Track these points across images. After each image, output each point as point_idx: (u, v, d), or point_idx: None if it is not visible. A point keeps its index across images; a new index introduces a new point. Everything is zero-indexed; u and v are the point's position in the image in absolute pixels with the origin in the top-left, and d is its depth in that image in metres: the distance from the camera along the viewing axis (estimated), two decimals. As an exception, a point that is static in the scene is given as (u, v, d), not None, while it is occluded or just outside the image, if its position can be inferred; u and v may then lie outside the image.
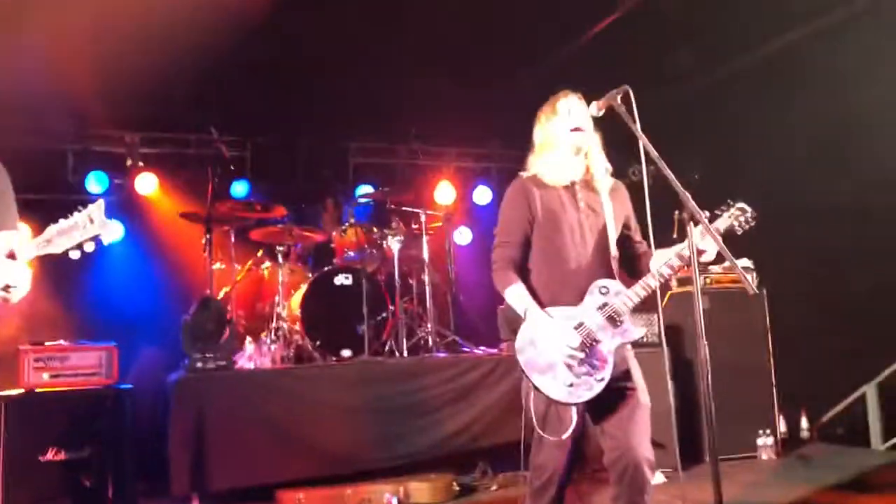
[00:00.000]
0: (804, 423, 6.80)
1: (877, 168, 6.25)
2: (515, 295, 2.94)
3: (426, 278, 6.61)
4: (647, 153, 2.72)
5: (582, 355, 2.82)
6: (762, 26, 6.61)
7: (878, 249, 6.20)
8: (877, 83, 6.28)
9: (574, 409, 2.83)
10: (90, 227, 2.79)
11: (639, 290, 2.90)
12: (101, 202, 2.87)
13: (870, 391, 7.18)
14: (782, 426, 6.48)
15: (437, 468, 5.43)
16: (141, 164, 7.29)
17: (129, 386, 5.41)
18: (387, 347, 6.17)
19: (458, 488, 5.26)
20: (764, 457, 6.03)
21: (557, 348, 2.82)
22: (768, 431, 6.13)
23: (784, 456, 6.15)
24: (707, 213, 2.83)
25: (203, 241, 6.42)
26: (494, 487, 5.45)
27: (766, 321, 6.34)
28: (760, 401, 6.21)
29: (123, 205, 7.22)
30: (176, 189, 7.35)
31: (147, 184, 7.24)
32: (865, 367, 7.13)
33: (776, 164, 6.84)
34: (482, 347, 6.46)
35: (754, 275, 6.24)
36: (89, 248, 2.83)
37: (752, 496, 4.77)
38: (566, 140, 3.01)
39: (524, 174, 3.10)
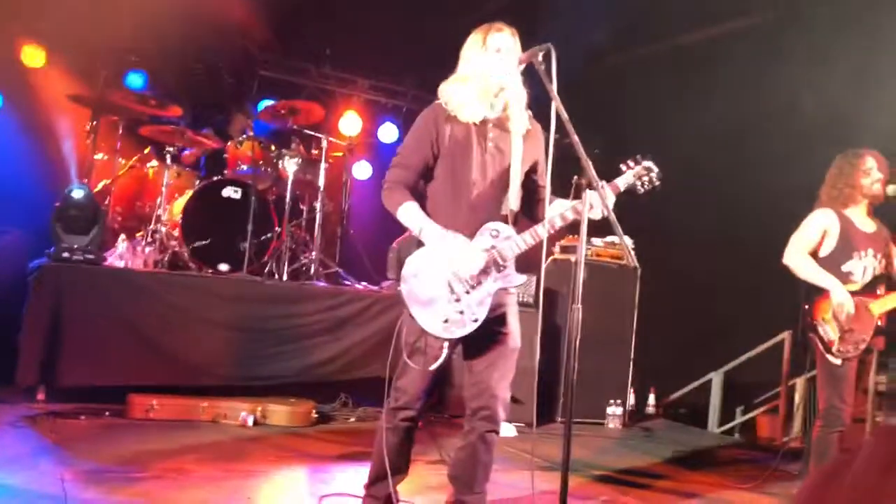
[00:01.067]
0: (651, 399, 7.21)
1: (764, 169, 6.60)
2: (409, 212, 2.90)
3: (318, 206, 6.51)
4: (557, 116, 2.73)
5: (459, 297, 2.85)
6: (681, 18, 6.80)
7: (750, 249, 6.55)
8: (778, 88, 6.60)
9: (444, 344, 2.88)
10: None
11: (527, 238, 2.93)
12: None
13: (716, 378, 7.70)
14: (632, 399, 6.85)
15: (298, 394, 5.43)
16: (30, 35, 6.75)
17: (-15, 266, 5.12)
18: (267, 269, 6.07)
19: (316, 416, 5.28)
20: (611, 425, 6.37)
21: (444, 273, 2.84)
22: (619, 402, 6.46)
23: (629, 427, 6.51)
24: (605, 183, 2.87)
25: (88, 127, 6.08)
26: (353, 419, 5.52)
27: (634, 298, 6.63)
28: (617, 373, 6.53)
29: (4, 75, 6.71)
30: (66, 68, 6.87)
31: (34, 56, 6.73)
32: (715, 355, 7.63)
33: (671, 150, 7.06)
34: (363, 283, 6.46)
35: (632, 253, 6.49)
36: None
37: (595, 459, 5.04)
38: (488, 78, 2.94)
39: (439, 102, 3.01)
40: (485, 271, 2.89)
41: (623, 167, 3.02)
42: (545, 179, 3.18)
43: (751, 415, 7.49)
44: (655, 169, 3.03)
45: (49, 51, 6.76)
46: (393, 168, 3.00)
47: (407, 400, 2.99)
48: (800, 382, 6.87)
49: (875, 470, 0.36)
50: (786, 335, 6.83)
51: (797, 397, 6.91)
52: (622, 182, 3.00)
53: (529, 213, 3.17)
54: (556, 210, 2.97)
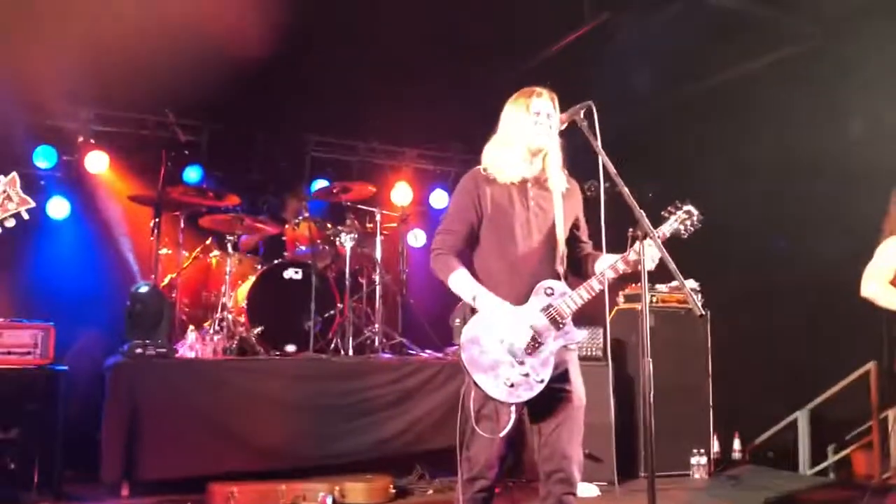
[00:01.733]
0: (737, 444, 6.94)
1: (832, 202, 6.44)
2: (461, 280, 2.91)
3: (377, 278, 6.59)
4: (605, 169, 2.74)
5: (523, 360, 2.83)
6: (718, 56, 6.78)
7: (818, 279, 6.37)
8: (826, 119, 6.49)
9: (512, 409, 2.85)
10: (8, 204, 2.72)
11: (583, 293, 2.92)
12: (12, 176, 2.79)
13: (801, 417, 7.38)
14: (716, 446, 6.61)
15: (374, 470, 5.40)
16: (92, 141, 7.09)
17: (65, 368, 5.28)
18: (332, 345, 6.13)
19: (394, 490, 5.24)
20: (696, 476, 6.14)
21: (504, 339, 2.83)
22: (702, 451, 6.24)
23: (715, 476, 6.27)
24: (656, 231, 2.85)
25: (151, 224, 6.31)
26: (430, 491, 5.45)
27: (707, 342, 6.46)
28: (696, 420, 6.32)
29: (71, 182, 7.04)
30: (127, 170, 7.18)
31: (97, 162, 7.05)
32: (799, 393, 7.33)
33: (726, 187, 6.99)
34: (428, 351, 6.46)
35: (699, 296, 6.35)
36: (10, 223, 2.76)
37: (683, 513, 4.86)
38: (529, 139, 2.98)
39: (478, 168, 3.07)
40: (545, 330, 2.87)
41: (665, 213, 3.01)
42: (587, 235, 3.20)
43: (844, 452, 7.13)
44: (696, 212, 3.02)
45: (111, 155, 7.07)
46: (439, 235, 3.03)
47: (479, 469, 2.96)
48: (892, 414, 6.54)
49: None
50: (871, 366, 6.53)
51: (890, 428, 6.58)
52: (667, 229, 2.99)
53: (576, 269, 3.17)
54: (606, 262, 2.96)
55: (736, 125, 7.14)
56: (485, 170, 3.03)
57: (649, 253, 2.81)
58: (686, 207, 3.01)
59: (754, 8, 6.20)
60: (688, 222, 3.00)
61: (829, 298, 6.27)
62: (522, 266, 2.95)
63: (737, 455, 6.93)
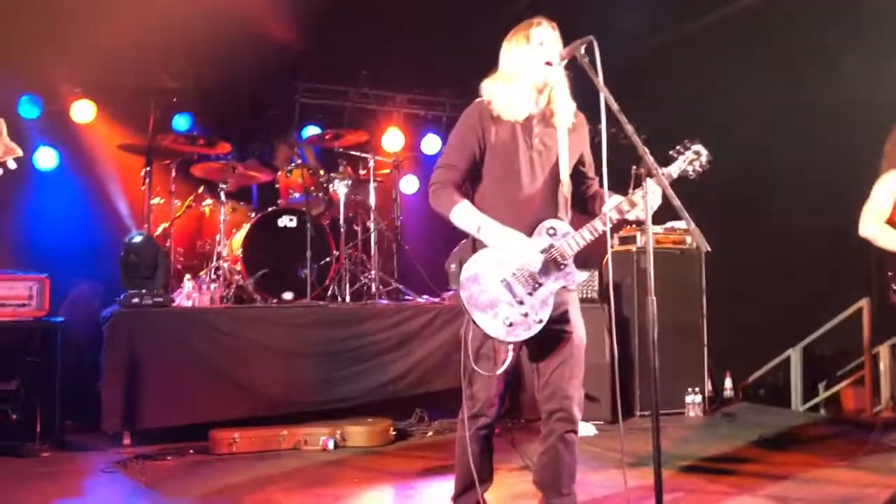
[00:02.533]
0: (728, 383, 7.04)
1: (827, 141, 6.41)
2: (464, 212, 2.86)
3: (371, 225, 6.56)
4: (608, 107, 2.69)
5: (522, 299, 2.83)
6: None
7: (814, 221, 6.38)
8: (823, 60, 6.42)
9: (510, 347, 2.86)
10: None
11: (585, 234, 2.89)
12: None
13: (794, 355, 7.48)
14: (709, 385, 6.70)
15: (374, 413, 5.46)
16: (77, 90, 6.95)
17: (61, 319, 5.27)
18: (329, 292, 6.13)
19: (394, 433, 5.31)
20: (691, 413, 6.24)
21: (504, 277, 2.82)
22: (697, 389, 6.33)
23: (710, 413, 6.37)
24: (663, 169, 2.82)
25: (142, 173, 6.23)
26: (430, 433, 5.52)
27: (701, 283, 6.50)
28: (691, 360, 6.39)
29: (58, 132, 6.92)
30: (115, 119, 7.05)
31: (84, 111, 6.92)
32: (792, 331, 7.42)
33: (726, 128, 6.94)
34: (425, 296, 6.47)
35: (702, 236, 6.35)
36: None
37: (680, 450, 4.94)
38: (533, 73, 2.90)
39: (481, 100, 2.97)
40: (545, 270, 2.86)
41: (673, 153, 2.95)
42: (593, 171, 3.15)
43: (835, 389, 7.25)
44: (705, 151, 2.96)
45: (98, 104, 6.95)
46: (438, 169, 2.96)
47: (481, 406, 2.97)
48: (883, 350, 6.64)
49: None
50: (864, 303, 6.61)
51: (882, 366, 6.68)
52: (675, 169, 2.94)
53: (581, 207, 3.14)
54: (611, 203, 2.93)
55: (734, 65, 7.06)
56: (489, 104, 2.95)
57: (654, 193, 2.78)
58: (695, 147, 2.95)
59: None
60: (696, 163, 2.94)
61: (820, 237, 6.30)
62: (525, 205, 2.92)
63: (729, 393, 7.03)
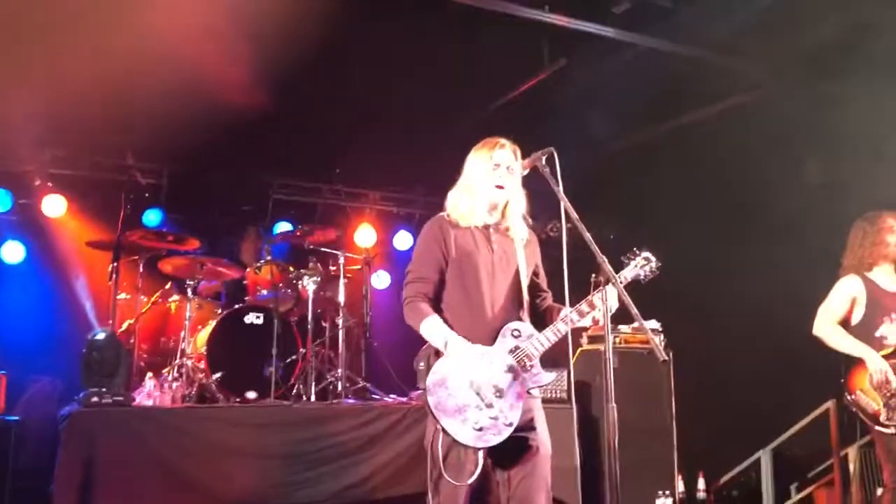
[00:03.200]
0: (701, 484, 6.94)
1: (790, 242, 6.58)
2: (433, 327, 2.90)
3: (340, 322, 6.53)
4: (566, 213, 2.77)
5: (490, 402, 2.81)
6: (675, 101, 6.95)
7: (782, 323, 6.45)
8: (778, 160, 6.67)
9: (479, 454, 2.81)
10: None
11: (549, 335, 2.93)
12: None
13: (764, 456, 7.43)
14: (680, 487, 6.60)
15: (337, 517, 5.30)
16: (49, 184, 6.97)
17: (16, 418, 5.12)
18: (294, 391, 6.03)
19: (357, 539, 5.14)
20: (662, 517, 6.12)
21: (471, 381, 2.81)
22: (667, 492, 6.22)
23: (682, 517, 6.25)
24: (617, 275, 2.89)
25: (109, 269, 6.19)
26: (395, 539, 5.35)
27: (670, 383, 6.48)
28: (661, 461, 6.29)
29: (27, 226, 6.90)
30: (85, 214, 7.06)
31: (55, 206, 6.92)
32: (761, 433, 7.39)
33: (681, 230, 7.12)
34: (392, 395, 6.39)
35: (662, 336, 6.39)
36: None
37: (650, 557, 4.82)
38: (488, 193, 3.04)
39: (441, 214, 3.10)
40: (512, 373, 2.86)
41: (624, 260, 3.07)
42: (546, 284, 3.23)
43: (807, 491, 7.18)
44: (653, 259, 3.09)
45: (68, 199, 6.96)
46: (410, 283, 3.02)
47: None
48: (852, 451, 6.61)
49: None
50: (830, 404, 6.62)
51: (851, 467, 6.64)
52: (627, 274, 3.04)
53: (537, 320, 3.18)
54: (570, 308, 2.98)
55: (691, 170, 7.29)
56: (448, 215, 3.07)
57: (612, 296, 2.84)
58: (644, 254, 3.08)
59: (707, 56, 6.37)
60: (646, 268, 3.06)
61: (788, 337, 6.36)
62: (488, 308, 2.96)
63: (701, 495, 6.91)
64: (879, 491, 4.05)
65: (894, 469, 3.86)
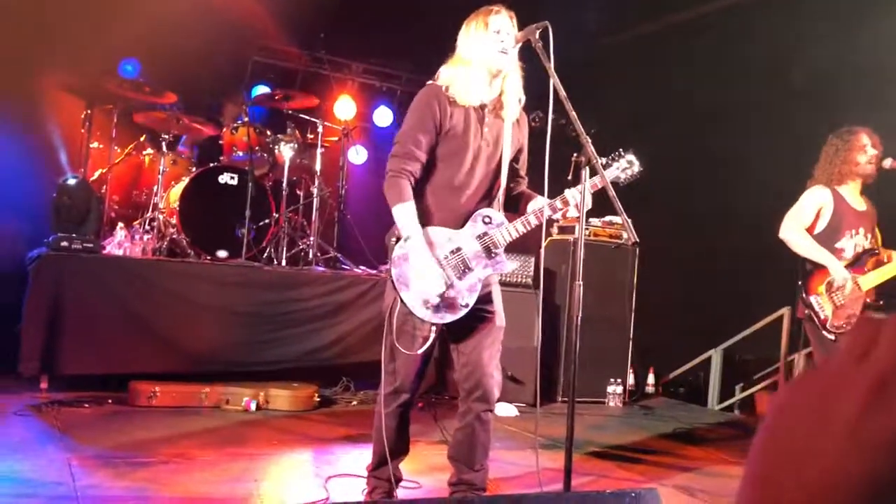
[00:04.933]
0: (651, 378, 7.24)
1: (758, 149, 6.62)
2: (405, 214, 2.88)
3: (315, 190, 6.52)
4: (555, 92, 2.74)
5: (451, 283, 2.87)
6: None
7: (744, 226, 6.58)
8: (763, 68, 6.62)
9: (432, 328, 2.90)
10: None
11: (519, 227, 2.96)
12: None
13: (715, 356, 7.73)
14: (631, 378, 6.88)
15: (300, 379, 5.45)
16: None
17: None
18: (265, 254, 6.08)
19: (318, 399, 5.31)
20: (611, 404, 6.41)
21: (435, 261, 2.87)
22: (619, 381, 6.49)
23: (629, 405, 6.55)
24: (603, 159, 2.90)
25: (82, 116, 6.06)
26: (355, 402, 5.55)
27: (633, 278, 6.65)
28: (616, 352, 6.56)
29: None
30: (60, 58, 6.81)
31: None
32: (715, 333, 7.66)
33: (665, 130, 7.11)
34: (362, 267, 6.47)
35: (632, 229, 6.50)
36: None
37: (596, 437, 5.08)
38: (489, 60, 2.93)
39: (436, 83, 3.00)
40: (477, 257, 2.91)
41: (608, 160, 3.05)
42: (525, 169, 3.21)
43: (750, 391, 7.53)
44: (636, 162, 3.07)
45: (44, 43, 6.70)
46: (396, 157, 2.93)
47: (400, 384, 3.02)
48: (799, 358, 6.90)
49: (851, 359, 0.38)
50: (784, 311, 6.85)
51: (796, 373, 6.95)
52: (610, 174, 3.02)
53: (507, 204, 3.18)
54: (537, 204, 3.00)
55: (675, 68, 7.22)
56: (446, 89, 2.96)
57: (588, 196, 2.87)
58: (628, 157, 3.06)
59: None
60: (628, 171, 3.06)
61: (750, 244, 6.50)
62: (465, 193, 2.96)
63: (650, 388, 7.23)
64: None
65: None
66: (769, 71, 6.66)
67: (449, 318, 2.88)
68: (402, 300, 2.86)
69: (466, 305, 2.89)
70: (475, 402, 3.02)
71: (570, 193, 2.93)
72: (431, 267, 2.86)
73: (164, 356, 5.18)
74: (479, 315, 2.99)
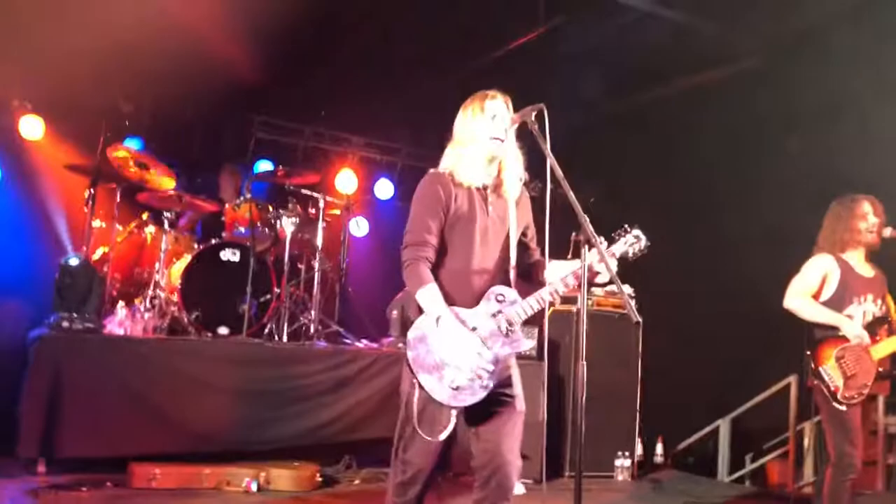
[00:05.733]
0: (659, 448, 7.12)
1: (761, 217, 6.65)
2: (429, 296, 2.87)
3: (316, 265, 6.52)
4: (552, 173, 2.77)
5: (491, 368, 2.82)
6: (666, 68, 6.94)
7: (751, 294, 6.56)
8: (763, 136, 6.72)
9: (452, 412, 2.84)
10: None
11: (533, 303, 2.93)
12: None
13: (723, 425, 7.61)
14: (640, 450, 6.76)
15: (302, 457, 5.35)
16: (28, 105, 6.83)
17: (-16, 339, 5.09)
18: (266, 330, 6.05)
19: (320, 479, 5.21)
20: (620, 478, 6.28)
21: (459, 354, 2.83)
22: (627, 454, 6.37)
23: (638, 479, 6.41)
24: (604, 239, 2.90)
25: (86, 195, 6.11)
26: (357, 481, 5.43)
27: (638, 348, 6.59)
28: (623, 423, 6.45)
29: (3, 147, 6.77)
30: (63, 138, 6.93)
31: (32, 127, 6.79)
32: (722, 403, 7.56)
33: (662, 196, 7.17)
34: (364, 341, 6.43)
35: (634, 302, 6.47)
36: None
37: (605, 515, 4.96)
38: (484, 146, 2.98)
39: (437, 171, 3.04)
40: (493, 336, 2.87)
41: (614, 235, 3.05)
42: (535, 242, 3.22)
43: (760, 462, 7.39)
44: (643, 237, 3.07)
45: (47, 121, 6.83)
46: (410, 246, 2.95)
47: (415, 473, 2.93)
48: (808, 427, 6.80)
49: None
50: (792, 379, 6.79)
51: (806, 442, 6.84)
52: (617, 250, 3.02)
53: (524, 276, 3.17)
54: (555, 270, 2.99)
55: (676, 137, 7.32)
56: (450, 174, 3.00)
57: (596, 265, 2.86)
58: (635, 232, 3.05)
59: (702, 24, 6.34)
60: (636, 246, 3.04)
61: (755, 312, 6.47)
62: (478, 272, 2.96)
63: (659, 459, 7.10)
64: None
65: (840, 441, 3.98)
66: (776, 137, 6.74)
67: (470, 400, 2.82)
68: (420, 384, 2.81)
69: (486, 387, 2.84)
70: (493, 491, 2.92)
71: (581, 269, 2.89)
72: (468, 338, 2.83)
73: (163, 436, 5.09)
74: (499, 399, 2.94)
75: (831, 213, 4.28)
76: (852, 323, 4.01)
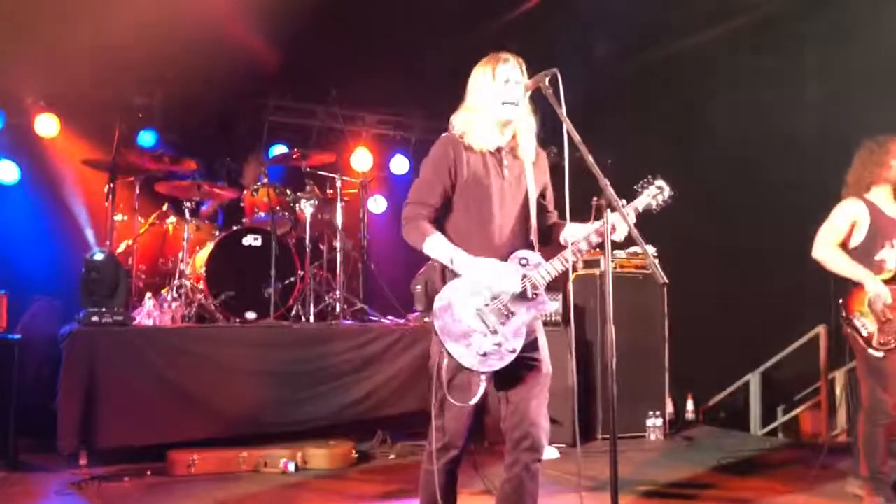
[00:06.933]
0: (690, 405, 7.12)
1: (783, 170, 6.57)
2: (437, 244, 2.87)
3: (338, 244, 6.55)
4: (569, 137, 2.74)
5: (500, 324, 2.84)
6: (681, 23, 6.82)
7: (773, 246, 6.51)
8: (781, 87, 6.60)
9: (482, 378, 2.86)
10: None
11: (557, 265, 2.92)
12: None
13: (753, 379, 7.59)
14: (670, 408, 6.76)
15: (336, 435, 5.41)
16: (42, 103, 6.87)
17: (17, 336, 5.17)
18: (293, 312, 6.10)
19: (356, 455, 5.28)
20: (652, 437, 6.30)
21: (477, 308, 2.84)
22: (658, 413, 6.39)
23: (670, 437, 6.43)
24: (625, 202, 2.87)
25: (105, 190, 6.16)
26: (392, 456, 5.49)
27: (663, 307, 6.57)
28: (652, 383, 6.46)
29: (20, 146, 6.83)
30: (79, 134, 6.98)
31: (48, 125, 6.84)
32: (751, 356, 7.52)
33: (681, 154, 7.09)
34: (389, 317, 6.46)
35: (657, 261, 6.44)
36: None
37: (640, 474, 4.98)
38: (496, 110, 2.95)
39: (451, 133, 3.01)
40: (518, 301, 2.88)
41: (637, 188, 3.03)
42: (552, 204, 3.20)
43: (793, 413, 7.36)
44: (667, 187, 3.05)
45: (61, 118, 6.87)
46: (410, 204, 2.96)
47: (450, 439, 2.96)
48: (839, 375, 6.76)
49: None
50: (821, 329, 6.73)
51: (838, 390, 6.79)
52: (640, 203, 3.02)
53: (542, 238, 3.16)
54: (575, 232, 2.97)
55: (692, 92, 7.22)
56: (461, 136, 2.98)
57: (619, 223, 2.84)
58: (658, 182, 3.03)
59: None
60: (659, 197, 3.03)
61: (781, 262, 6.42)
62: (497, 236, 2.95)
63: (690, 416, 7.10)
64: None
65: (873, 387, 3.96)
66: (792, 90, 6.62)
67: (498, 365, 2.83)
68: (448, 352, 2.83)
69: (514, 351, 2.84)
70: (524, 452, 2.94)
71: (602, 227, 2.87)
72: (499, 269, 2.83)
73: (200, 422, 5.17)
74: (526, 363, 2.95)
75: (863, 149, 4.22)
76: (875, 279, 3.96)
